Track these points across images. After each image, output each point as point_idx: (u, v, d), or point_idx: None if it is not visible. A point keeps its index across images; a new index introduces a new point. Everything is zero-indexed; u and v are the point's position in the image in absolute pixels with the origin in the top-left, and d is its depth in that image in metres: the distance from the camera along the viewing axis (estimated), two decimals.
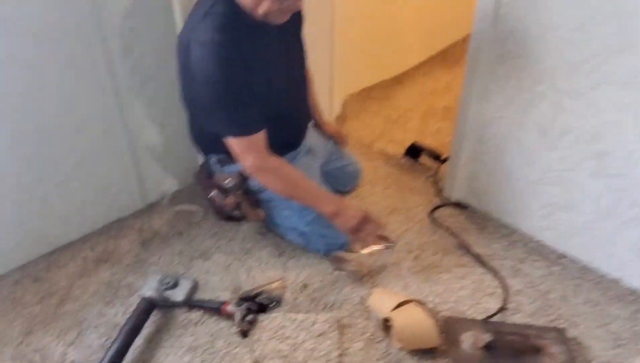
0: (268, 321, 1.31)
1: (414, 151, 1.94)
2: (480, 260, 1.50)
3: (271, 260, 1.52)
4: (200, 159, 1.61)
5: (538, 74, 1.36)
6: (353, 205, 1.44)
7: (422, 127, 2.22)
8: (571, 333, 1.27)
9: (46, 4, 1.29)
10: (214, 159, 1.48)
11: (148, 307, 1.31)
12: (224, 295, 1.40)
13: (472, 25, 1.46)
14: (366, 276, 1.45)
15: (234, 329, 1.29)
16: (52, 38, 1.33)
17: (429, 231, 1.63)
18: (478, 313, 1.34)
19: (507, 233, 1.61)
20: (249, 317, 1.30)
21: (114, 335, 1.26)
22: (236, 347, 1.25)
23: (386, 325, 1.28)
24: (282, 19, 1.26)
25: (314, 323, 1.30)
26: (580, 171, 1.38)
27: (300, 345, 1.25)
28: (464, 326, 1.27)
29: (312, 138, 1.61)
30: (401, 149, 2.01)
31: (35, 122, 1.39)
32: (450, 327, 1.27)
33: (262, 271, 1.49)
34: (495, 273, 1.46)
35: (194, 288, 1.42)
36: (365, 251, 1.44)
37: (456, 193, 1.73)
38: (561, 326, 1.29)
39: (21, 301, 1.40)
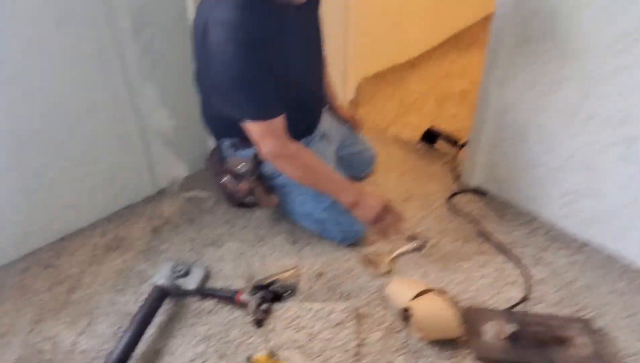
0: (283, 310, 1.28)
1: (430, 136, 1.89)
2: (501, 248, 1.45)
3: (285, 248, 1.48)
4: (211, 143, 1.57)
5: (564, 56, 1.30)
6: (373, 195, 1.39)
7: (438, 111, 2.16)
8: (597, 324, 1.23)
9: None
10: (226, 143, 1.44)
11: (160, 295, 1.27)
12: (237, 284, 1.37)
13: (494, 5, 1.40)
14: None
15: (248, 318, 1.26)
16: (59, 17, 1.28)
17: (447, 218, 1.58)
18: (500, 302, 1.30)
19: (527, 220, 1.56)
20: (264, 306, 1.26)
21: (126, 323, 1.24)
22: (251, 337, 1.22)
23: (405, 314, 1.24)
24: None
25: (330, 313, 1.26)
26: (607, 157, 1.32)
27: (316, 335, 1.21)
28: (486, 316, 1.23)
29: (326, 122, 1.56)
30: (417, 134, 1.95)
31: (41, 105, 1.35)
32: (471, 317, 1.23)
33: (275, 259, 1.45)
34: (516, 261, 1.41)
35: (207, 276, 1.39)
36: (395, 253, 1.41)
37: (475, 179, 1.68)
38: (586, 317, 1.25)
39: (31, 288, 1.37)
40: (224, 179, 1.44)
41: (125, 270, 1.43)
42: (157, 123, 1.61)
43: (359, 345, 1.19)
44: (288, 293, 1.32)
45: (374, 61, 2.36)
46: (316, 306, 1.28)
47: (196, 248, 1.50)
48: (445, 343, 1.19)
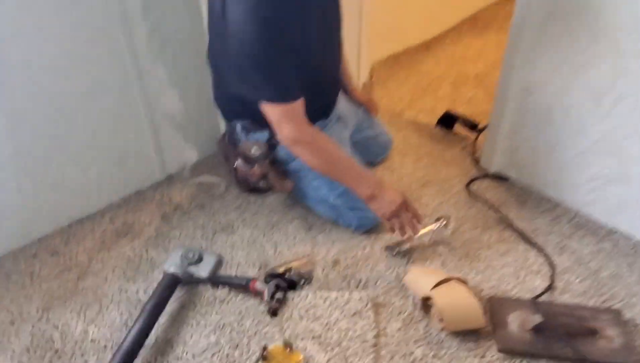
0: (298, 299, 1.23)
1: (447, 120, 1.83)
2: (523, 236, 1.40)
3: (299, 235, 1.44)
4: (223, 127, 1.52)
5: (595, 33, 1.23)
6: (392, 189, 1.33)
7: (454, 95, 2.10)
8: (627, 314, 1.17)
9: None
10: (238, 125, 1.38)
11: (172, 283, 1.23)
12: (250, 271, 1.33)
13: None
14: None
15: (263, 307, 1.22)
16: None
17: (466, 205, 1.53)
18: (523, 292, 1.25)
19: (550, 207, 1.50)
20: (278, 295, 1.22)
21: (136, 312, 1.20)
22: (265, 327, 1.18)
23: (426, 304, 1.19)
24: None
25: (347, 302, 1.22)
26: (638, 140, 1.26)
27: (333, 324, 1.17)
28: (510, 306, 1.18)
29: (342, 105, 1.50)
30: (432, 119, 1.90)
31: (46, 88, 1.30)
32: (494, 307, 1.18)
33: (289, 246, 1.40)
34: (539, 249, 1.36)
35: (219, 263, 1.34)
36: (421, 232, 1.35)
37: (495, 164, 1.62)
38: (616, 307, 1.19)
39: (39, 275, 1.34)
40: (236, 163, 1.39)
41: (134, 257, 1.39)
42: (166, 106, 1.56)
43: (377, 336, 1.15)
44: (304, 281, 1.28)
45: (388, 43, 2.29)
46: (333, 294, 1.24)
47: (207, 235, 1.45)
48: (468, 334, 1.14)
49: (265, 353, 1.08)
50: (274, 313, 1.20)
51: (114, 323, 1.21)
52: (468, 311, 1.14)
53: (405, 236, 1.33)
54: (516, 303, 1.19)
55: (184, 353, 1.13)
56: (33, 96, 1.28)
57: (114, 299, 1.27)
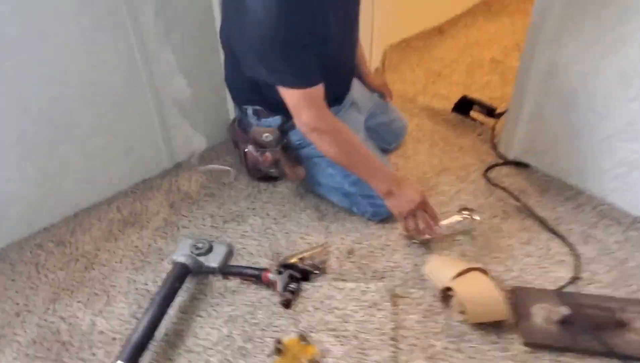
0: (313, 290, 1.19)
1: (464, 105, 1.76)
2: (545, 224, 1.34)
3: (312, 224, 1.39)
4: (232, 113, 1.47)
5: (625, 11, 1.16)
6: (411, 187, 1.27)
7: (469, 80, 2.03)
8: None
9: None
10: (250, 110, 1.33)
11: (182, 273, 1.19)
12: (262, 262, 1.28)
13: None
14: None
15: (276, 299, 1.17)
16: None
17: (484, 192, 1.47)
18: (547, 283, 1.20)
19: (572, 195, 1.44)
20: (292, 286, 1.17)
21: (145, 303, 1.16)
22: (279, 319, 1.13)
23: (446, 295, 1.15)
24: None
25: (364, 293, 1.17)
26: None
27: (350, 316, 1.13)
28: (534, 297, 1.13)
29: (356, 90, 1.45)
30: (447, 104, 1.83)
31: (49, 74, 1.25)
32: (518, 298, 1.13)
33: (302, 235, 1.36)
34: (563, 238, 1.30)
35: (230, 253, 1.30)
36: (445, 222, 1.30)
37: (514, 150, 1.56)
38: None
39: (45, 266, 1.30)
40: (247, 149, 1.34)
41: (143, 246, 1.35)
42: (173, 92, 1.51)
43: (396, 328, 1.10)
44: (317, 272, 1.23)
45: (400, 26, 2.21)
46: (348, 285, 1.19)
47: (217, 224, 1.41)
48: (490, 327, 1.09)
49: (279, 346, 1.04)
50: (287, 304, 1.15)
51: (122, 314, 1.17)
52: (491, 302, 1.09)
53: (422, 238, 1.28)
54: (541, 294, 1.14)
55: (195, 346, 1.09)
56: (36, 81, 1.23)
57: (122, 290, 1.23)
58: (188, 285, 1.22)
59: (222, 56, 1.41)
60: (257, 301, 1.18)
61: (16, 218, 1.35)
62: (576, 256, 1.25)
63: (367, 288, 1.18)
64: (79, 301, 1.20)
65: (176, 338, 1.11)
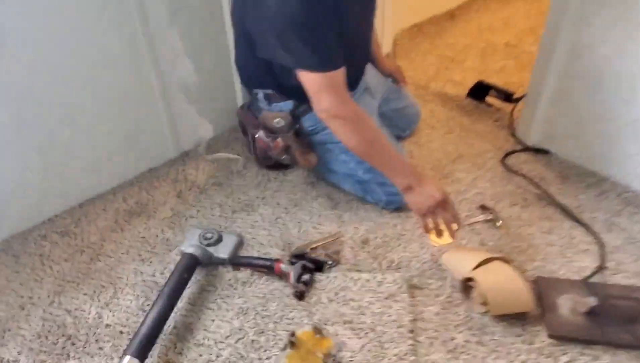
0: (327, 281, 1.14)
1: (479, 91, 1.71)
2: (568, 212, 1.29)
3: (324, 213, 1.34)
4: (240, 100, 1.42)
5: None
6: (432, 183, 1.18)
7: (483, 66, 1.97)
8: None
9: None
10: (261, 94, 1.28)
11: (191, 264, 1.15)
12: (273, 252, 1.24)
13: None
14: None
15: (289, 290, 1.13)
16: None
17: (502, 180, 1.42)
18: (571, 272, 1.14)
19: (595, 181, 1.39)
20: (305, 277, 1.13)
21: (153, 295, 1.12)
22: (292, 311, 1.09)
23: (466, 286, 1.10)
24: None
25: (380, 284, 1.13)
26: None
27: (366, 308, 1.08)
28: (560, 288, 1.08)
29: (369, 75, 1.39)
30: (461, 90, 1.78)
31: (50, 60, 1.20)
32: (542, 289, 1.08)
33: (314, 225, 1.31)
34: (587, 227, 1.25)
35: (239, 243, 1.26)
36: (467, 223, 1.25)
37: (533, 136, 1.51)
38: None
39: (50, 257, 1.26)
40: (257, 135, 1.29)
41: (149, 237, 1.30)
42: (179, 77, 1.46)
43: (414, 320, 1.06)
44: (331, 262, 1.18)
45: (411, 11, 2.16)
46: (364, 276, 1.15)
47: (226, 214, 1.36)
48: (513, 319, 1.04)
49: (293, 339, 0.99)
50: (301, 296, 1.11)
51: (129, 307, 1.13)
52: (515, 293, 1.04)
53: (441, 240, 1.20)
54: (566, 284, 1.09)
55: (205, 340, 1.05)
56: (37, 68, 1.19)
57: (129, 282, 1.19)
58: (197, 276, 1.18)
59: (230, 38, 1.36)
60: (269, 293, 1.13)
61: (19, 208, 1.31)
62: (601, 245, 1.20)
63: (383, 278, 1.14)
64: (84, 294, 1.16)
65: (186, 331, 1.06)
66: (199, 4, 1.38)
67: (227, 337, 1.05)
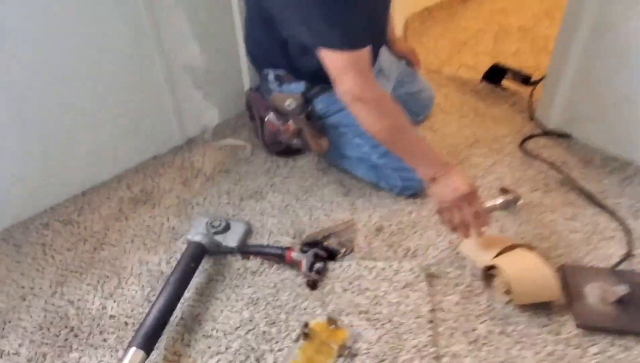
0: (340, 270, 1.09)
1: (494, 74, 1.65)
2: (591, 198, 1.24)
3: (336, 200, 1.29)
4: (247, 84, 1.36)
5: None
6: (460, 174, 1.06)
7: (496, 49, 1.91)
8: None
9: None
10: (272, 75, 1.22)
11: (198, 253, 1.10)
12: (283, 240, 1.19)
13: None
14: None
15: (301, 279, 1.08)
16: None
17: (522, 165, 1.36)
18: (597, 260, 1.09)
19: (618, 166, 1.33)
20: (318, 265, 1.08)
21: (159, 285, 1.07)
22: (304, 301, 1.04)
23: (487, 274, 1.04)
24: None
25: (396, 273, 1.07)
26: None
27: (382, 298, 1.03)
28: (587, 276, 1.03)
29: (383, 58, 1.33)
30: (475, 74, 1.72)
31: (51, 44, 1.15)
32: (568, 277, 1.03)
33: (326, 212, 1.26)
34: (612, 213, 1.19)
35: (248, 231, 1.21)
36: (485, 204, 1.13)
37: (552, 120, 1.45)
38: None
39: (52, 246, 1.21)
40: (267, 117, 1.23)
41: (154, 226, 1.26)
42: (185, 60, 1.41)
43: (433, 310, 1.01)
44: (344, 250, 1.13)
45: None
46: (379, 265, 1.09)
47: (234, 201, 1.31)
48: (538, 308, 0.99)
49: (306, 330, 0.94)
50: (313, 285, 1.06)
51: (134, 297, 1.08)
52: (540, 281, 0.98)
53: (463, 238, 1.09)
54: (594, 272, 1.04)
55: (214, 331, 1.00)
56: (37, 52, 1.14)
57: (133, 271, 1.14)
58: (205, 265, 1.13)
59: (237, 20, 1.30)
60: (280, 283, 1.08)
61: (20, 196, 1.27)
62: (627, 231, 1.15)
63: (400, 267, 1.08)
64: (88, 284, 1.12)
65: (193, 322, 1.02)
66: None
67: (236, 328, 1.00)
